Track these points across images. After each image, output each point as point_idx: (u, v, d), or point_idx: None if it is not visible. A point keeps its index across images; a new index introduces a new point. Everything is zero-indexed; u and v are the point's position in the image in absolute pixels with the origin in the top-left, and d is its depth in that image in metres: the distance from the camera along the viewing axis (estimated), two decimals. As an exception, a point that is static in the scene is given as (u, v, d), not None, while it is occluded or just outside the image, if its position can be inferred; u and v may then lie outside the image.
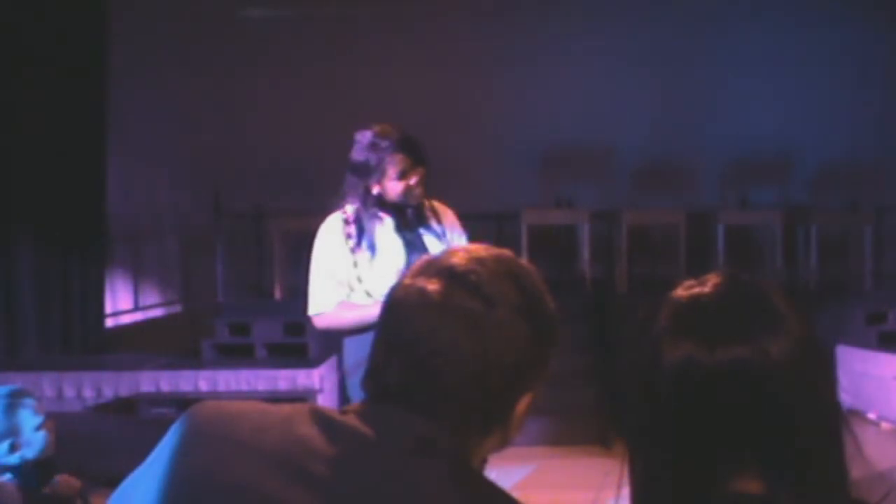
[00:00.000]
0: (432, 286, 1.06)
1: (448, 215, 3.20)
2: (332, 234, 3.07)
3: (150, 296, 7.89)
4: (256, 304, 7.54)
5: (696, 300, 0.96)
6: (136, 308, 7.65)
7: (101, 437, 4.89)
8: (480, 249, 1.13)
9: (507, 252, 1.16)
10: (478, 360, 1.03)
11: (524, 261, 1.15)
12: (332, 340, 6.33)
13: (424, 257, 1.15)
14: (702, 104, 8.04)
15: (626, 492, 1.03)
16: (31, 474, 2.87)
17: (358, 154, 3.04)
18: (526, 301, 1.08)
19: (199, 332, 6.46)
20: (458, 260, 1.09)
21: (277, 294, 7.39)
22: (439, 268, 1.08)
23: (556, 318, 1.12)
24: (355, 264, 3.02)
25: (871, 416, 5.55)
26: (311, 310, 3.09)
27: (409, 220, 3.08)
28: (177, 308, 8.02)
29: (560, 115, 7.87)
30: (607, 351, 6.55)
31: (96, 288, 6.81)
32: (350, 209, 3.08)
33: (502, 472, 2.53)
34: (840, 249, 8.09)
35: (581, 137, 8.04)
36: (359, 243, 3.03)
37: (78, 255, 6.58)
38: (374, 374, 1.08)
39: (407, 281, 1.09)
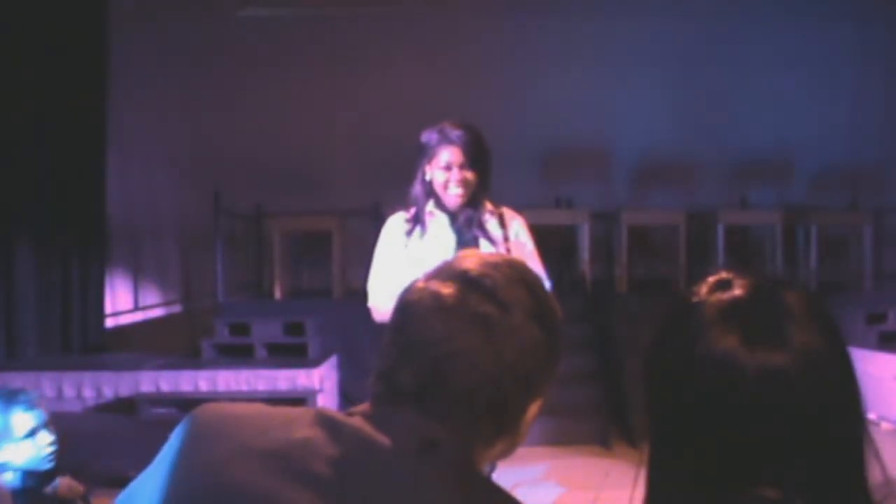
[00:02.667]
0: (447, 290, 1.06)
1: (515, 222, 3.26)
2: (389, 235, 3.19)
3: (150, 296, 7.88)
4: (256, 304, 7.54)
5: (735, 302, 0.96)
6: (136, 308, 7.65)
7: (101, 437, 4.88)
8: (492, 255, 1.14)
9: (517, 258, 1.17)
10: (493, 365, 1.03)
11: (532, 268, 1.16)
12: (332, 341, 6.35)
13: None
14: (702, 104, 8.04)
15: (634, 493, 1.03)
16: (32, 475, 2.86)
17: (425, 133, 3.15)
18: (539, 307, 1.08)
19: (199, 332, 6.46)
20: (471, 265, 1.09)
21: (277, 294, 7.39)
22: (453, 272, 1.08)
23: (563, 325, 1.12)
24: (406, 246, 3.12)
25: (871, 416, 5.54)
26: (369, 301, 3.21)
27: (462, 221, 3.14)
28: (177, 308, 8.02)
29: (560, 115, 7.87)
30: (607, 351, 6.55)
31: (96, 288, 6.81)
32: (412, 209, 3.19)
33: (502, 472, 2.53)
34: (840, 249, 8.09)
35: (581, 137, 8.04)
36: (411, 233, 3.13)
37: (78, 255, 6.58)
38: (385, 376, 1.07)
39: (420, 284, 1.09)
